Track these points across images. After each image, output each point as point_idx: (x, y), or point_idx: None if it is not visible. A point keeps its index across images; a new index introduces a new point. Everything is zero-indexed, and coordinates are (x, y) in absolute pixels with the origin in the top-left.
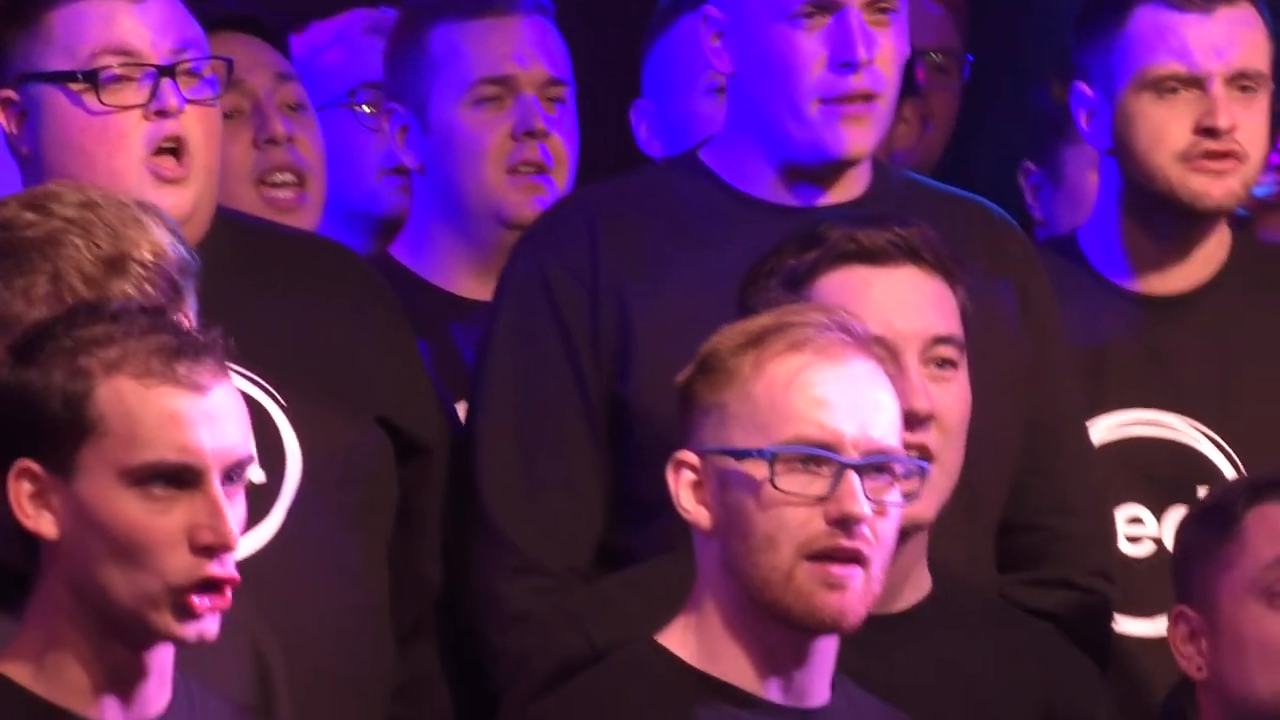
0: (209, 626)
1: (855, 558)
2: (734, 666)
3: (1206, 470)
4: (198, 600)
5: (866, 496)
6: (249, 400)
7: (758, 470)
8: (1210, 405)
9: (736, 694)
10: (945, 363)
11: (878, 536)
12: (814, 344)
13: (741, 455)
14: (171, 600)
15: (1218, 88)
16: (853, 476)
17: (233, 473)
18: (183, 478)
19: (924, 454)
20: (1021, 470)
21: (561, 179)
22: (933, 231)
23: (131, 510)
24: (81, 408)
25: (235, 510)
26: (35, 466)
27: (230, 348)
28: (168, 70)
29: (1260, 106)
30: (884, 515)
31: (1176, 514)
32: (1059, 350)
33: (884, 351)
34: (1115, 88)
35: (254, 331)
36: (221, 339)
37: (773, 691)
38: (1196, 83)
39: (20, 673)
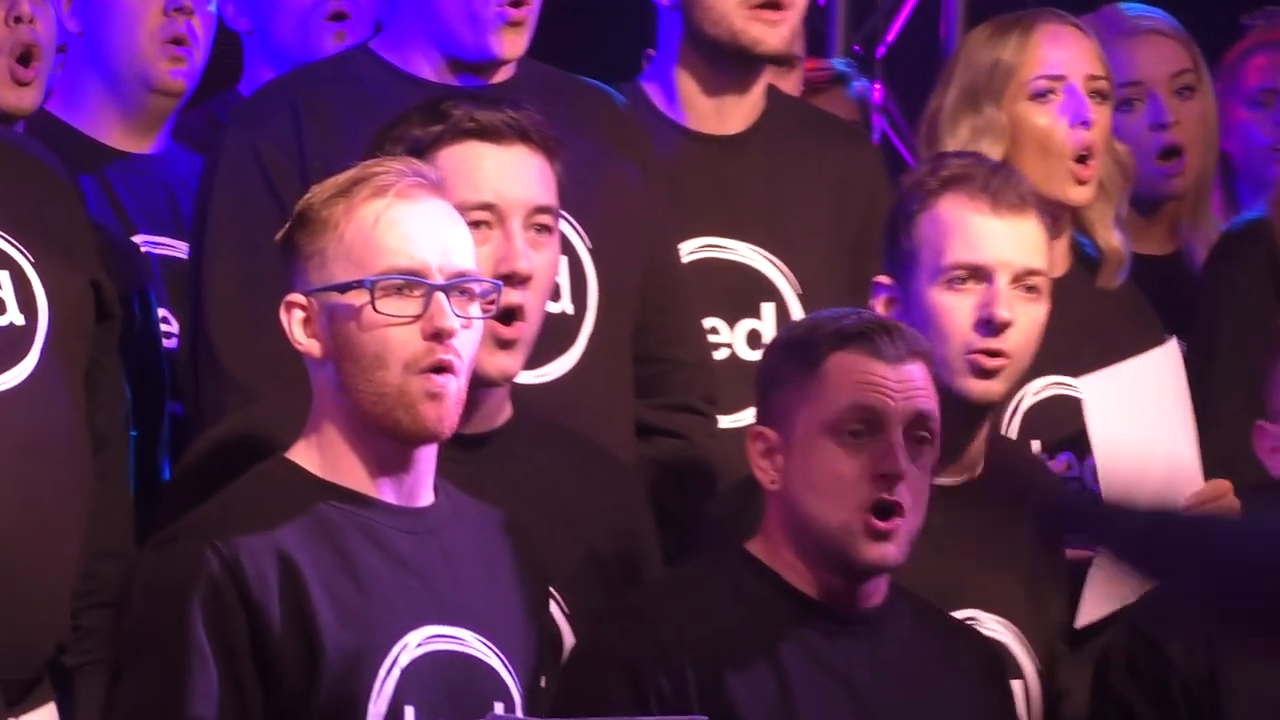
0: None
1: (450, 368)
2: (352, 474)
3: (767, 287)
4: None
5: (454, 313)
6: (5, 255)
7: (359, 299)
8: (766, 231)
9: (356, 496)
10: (543, 229)
11: (464, 346)
12: (395, 188)
13: (344, 288)
14: None
15: None
16: (440, 296)
17: None
18: None
19: (518, 313)
20: (644, 310)
21: (200, 53)
22: (539, 115)
23: None
24: None
25: None
26: None
27: None
28: None
29: None
30: (469, 328)
31: (745, 325)
32: (666, 212)
33: (492, 216)
34: None
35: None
36: None
37: (386, 493)
38: None
39: None
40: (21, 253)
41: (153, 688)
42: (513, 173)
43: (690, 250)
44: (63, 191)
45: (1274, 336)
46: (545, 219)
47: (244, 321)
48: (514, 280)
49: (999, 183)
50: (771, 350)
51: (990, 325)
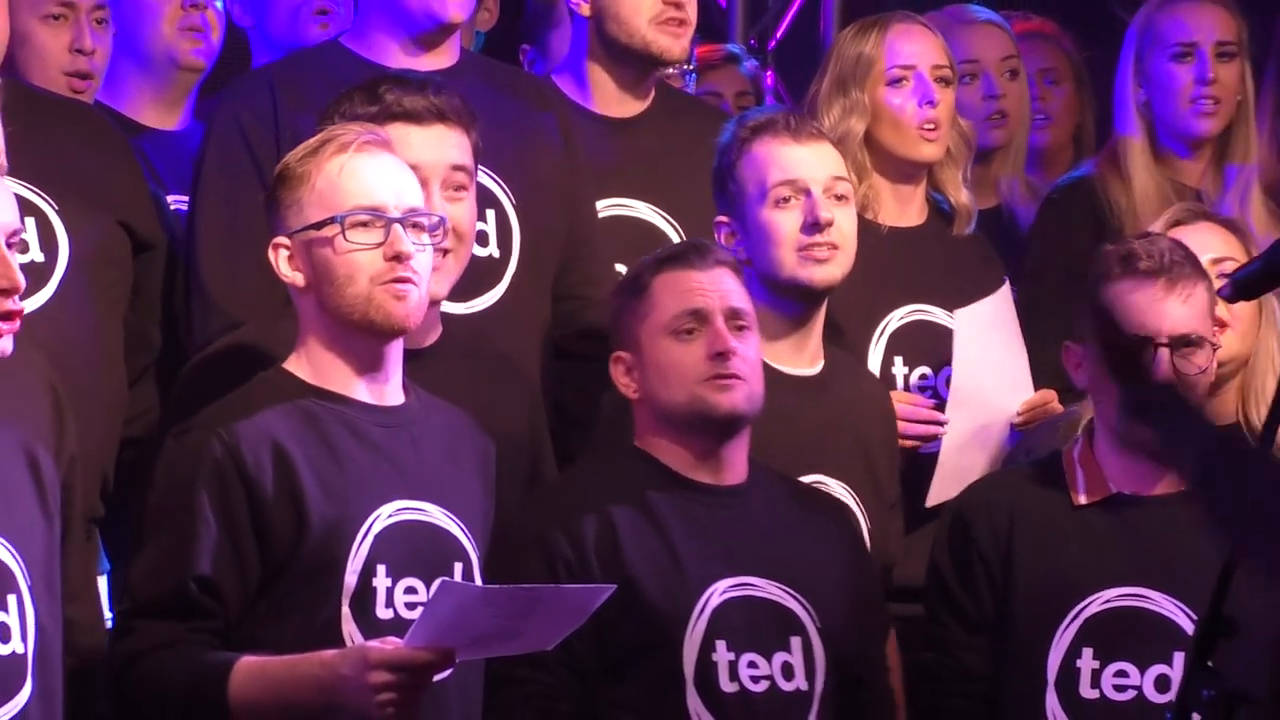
0: (5, 345)
1: (409, 279)
2: (335, 379)
3: (662, 240)
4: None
5: (409, 240)
6: (31, 204)
7: (332, 231)
8: (660, 194)
9: (339, 397)
10: (460, 188)
11: (420, 266)
12: (355, 145)
13: (320, 225)
14: None
15: None
16: (398, 227)
17: (10, 240)
18: None
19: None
20: (564, 255)
21: (215, 37)
22: (456, 98)
23: None
24: None
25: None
26: None
27: (5, 166)
28: None
29: None
30: (422, 251)
31: None
32: (582, 163)
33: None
34: None
35: (33, 159)
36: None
37: (364, 395)
38: None
39: None
40: (46, 200)
41: (166, 550)
42: (433, 145)
43: (601, 208)
44: (107, 144)
45: (1080, 273)
46: (460, 177)
47: (227, 263)
48: (442, 230)
49: (795, 121)
50: (613, 292)
51: (816, 226)
